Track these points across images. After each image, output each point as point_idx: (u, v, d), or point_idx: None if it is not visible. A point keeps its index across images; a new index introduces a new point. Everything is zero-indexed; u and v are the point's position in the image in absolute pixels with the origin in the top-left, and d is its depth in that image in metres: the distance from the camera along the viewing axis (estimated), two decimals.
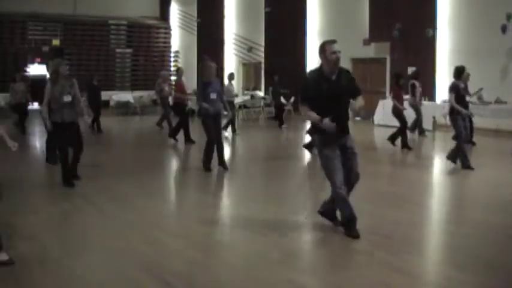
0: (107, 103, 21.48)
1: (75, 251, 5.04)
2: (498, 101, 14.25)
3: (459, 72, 9.21)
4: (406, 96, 13.35)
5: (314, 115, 5.20)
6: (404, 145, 11.43)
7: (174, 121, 13.28)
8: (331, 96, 5.22)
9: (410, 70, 16.70)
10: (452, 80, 9.31)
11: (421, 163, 10.54)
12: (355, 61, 18.37)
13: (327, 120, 5.08)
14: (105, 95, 22.37)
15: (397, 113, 11.68)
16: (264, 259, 4.84)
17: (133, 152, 12.29)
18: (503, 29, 14.31)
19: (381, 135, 13.39)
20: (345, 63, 18.83)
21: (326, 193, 5.84)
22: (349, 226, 5.40)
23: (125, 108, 21.46)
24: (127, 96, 23.41)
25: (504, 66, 14.68)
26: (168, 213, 6.68)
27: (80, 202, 6.89)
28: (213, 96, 8.97)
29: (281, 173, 9.22)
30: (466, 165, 9.12)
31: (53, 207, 6.76)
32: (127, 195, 7.38)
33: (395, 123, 12.40)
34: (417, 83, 13.27)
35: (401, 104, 11.81)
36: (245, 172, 9.56)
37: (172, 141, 12.76)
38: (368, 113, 16.49)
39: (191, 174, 9.33)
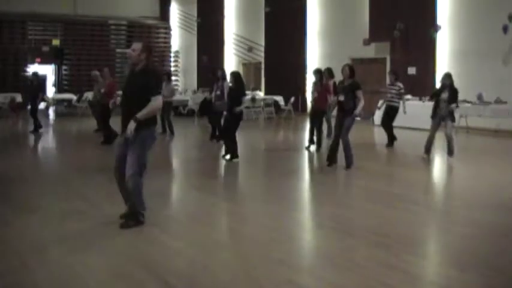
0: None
1: (74, 250, 5.03)
2: (498, 101, 14.26)
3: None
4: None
5: None
6: None
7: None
8: None
9: (411, 70, 16.76)
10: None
11: (421, 163, 10.53)
12: (355, 61, 18.37)
13: None
14: None
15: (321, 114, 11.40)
16: (264, 259, 4.83)
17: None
18: (505, 29, 14.31)
19: (380, 136, 13.37)
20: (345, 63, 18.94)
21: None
22: (136, 215, 5.67)
23: None
24: None
25: (504, 66, 14.68)
26: (168, 213, 6.67)
27: (79, 202, 6.89)
28: None
29: (280, 172, 9.21)
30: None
31: (53, 206, 6.75)
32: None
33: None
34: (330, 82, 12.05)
35: (323, 104, 11.30)
36: (242, 172, 9.56)
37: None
38: (368, 113, 16.49)
39: (190, 173, 9.32)
